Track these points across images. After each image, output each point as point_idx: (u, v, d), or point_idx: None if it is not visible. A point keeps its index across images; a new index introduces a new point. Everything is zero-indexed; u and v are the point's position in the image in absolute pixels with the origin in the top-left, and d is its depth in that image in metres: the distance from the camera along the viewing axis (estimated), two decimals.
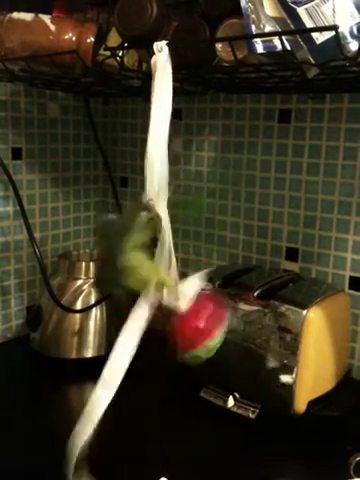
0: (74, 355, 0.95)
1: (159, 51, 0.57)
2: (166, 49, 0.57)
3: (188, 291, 0.60)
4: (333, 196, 0.90)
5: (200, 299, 0.60)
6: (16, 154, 1.03)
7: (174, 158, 1.05)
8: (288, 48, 0.52)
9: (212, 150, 1.04)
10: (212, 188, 1.05)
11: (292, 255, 0.97)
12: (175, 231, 0.60)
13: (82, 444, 0.56)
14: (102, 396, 0.57)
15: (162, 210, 0.58)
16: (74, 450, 0.56)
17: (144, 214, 0.60)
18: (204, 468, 0.68)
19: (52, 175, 1.11)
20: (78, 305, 0.96)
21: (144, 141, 1.16)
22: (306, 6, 0.52)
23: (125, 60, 0.70)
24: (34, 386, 0.89)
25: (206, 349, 0.61)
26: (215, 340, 0.61)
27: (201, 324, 0.60)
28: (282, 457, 0.71)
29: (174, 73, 0.57)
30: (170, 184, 0.59)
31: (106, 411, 0.56)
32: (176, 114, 1.07)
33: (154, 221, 0.59)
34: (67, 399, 0.87)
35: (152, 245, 0.59)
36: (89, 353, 0.95)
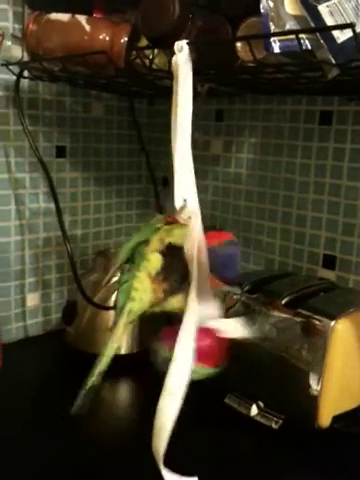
0: None
1: (179, 51, 0.56)
2: (186, 49, 0.56)
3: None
4: None
5: None
6: (60, 152, 1.06)
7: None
8: (304, 47, 0.49)
9: (252, 152, 1.02)
10: (250, 191, 1.03)
11: (329, 263, 0.93)
12: None
13: (163, 445, 0.56)
14: (169, 405, 0.57)
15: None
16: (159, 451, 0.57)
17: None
18: (220, 474, 0.66)
19: (95, 174, 1.13)
20: (112, 302, 0.97)
21: None
22: (328, 3, 0.49)
23: (156, 60, 0.69)
24: (67, 379, 0.90)
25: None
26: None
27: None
28: (300, 470, 0.69)
29: (199, 74, 0.56)
30: None
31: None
32: (218, 115, 1.06)
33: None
34: (98, 395, 0.88)
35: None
36: (121, 350, 0.96)
